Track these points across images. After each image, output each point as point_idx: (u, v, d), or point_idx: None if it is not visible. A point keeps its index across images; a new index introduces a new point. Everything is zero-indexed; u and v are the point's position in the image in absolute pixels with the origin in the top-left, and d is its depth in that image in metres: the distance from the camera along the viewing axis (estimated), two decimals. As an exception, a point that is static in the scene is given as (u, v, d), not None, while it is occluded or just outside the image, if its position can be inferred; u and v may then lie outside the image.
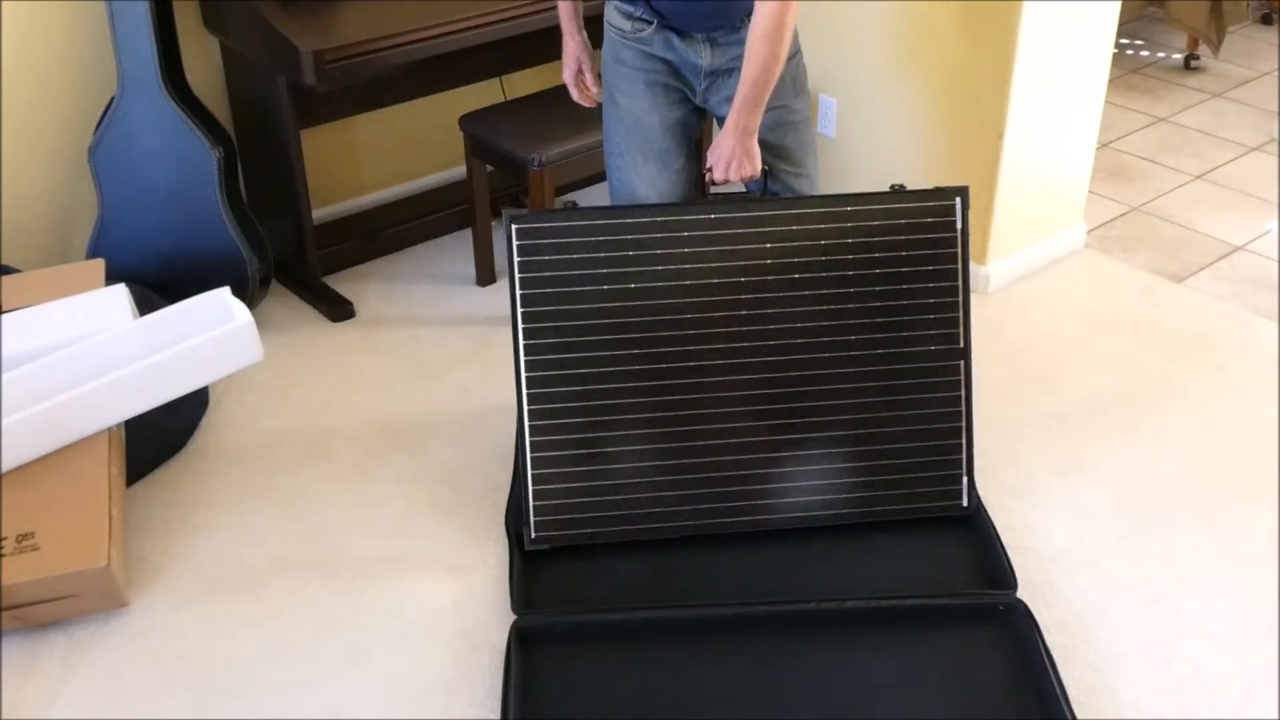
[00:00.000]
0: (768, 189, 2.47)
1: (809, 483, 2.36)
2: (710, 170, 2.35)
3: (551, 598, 2.22)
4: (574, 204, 2.32)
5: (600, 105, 2.57)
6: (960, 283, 2.33)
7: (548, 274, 2.28)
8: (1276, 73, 4.72)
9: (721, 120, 2.40)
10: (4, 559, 2.14)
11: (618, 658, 2.10)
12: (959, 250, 2.33)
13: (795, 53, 2.42)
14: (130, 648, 2.19)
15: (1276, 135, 4.19)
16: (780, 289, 2.31)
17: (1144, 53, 4.93)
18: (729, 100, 2.33)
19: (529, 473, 2.31)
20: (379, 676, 2.13)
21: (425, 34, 2.91)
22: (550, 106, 3.16)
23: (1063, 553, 2.39)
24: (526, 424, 2.30)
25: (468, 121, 3.11)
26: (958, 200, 2.31)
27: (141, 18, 2.81)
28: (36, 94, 2.97)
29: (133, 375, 2.37)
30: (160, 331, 2.50)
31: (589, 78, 2.58)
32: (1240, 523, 2.47)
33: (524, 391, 2.30)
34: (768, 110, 2.32)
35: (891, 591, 2.22)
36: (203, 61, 3.14)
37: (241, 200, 3.07)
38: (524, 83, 3.57)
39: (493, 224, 3.29)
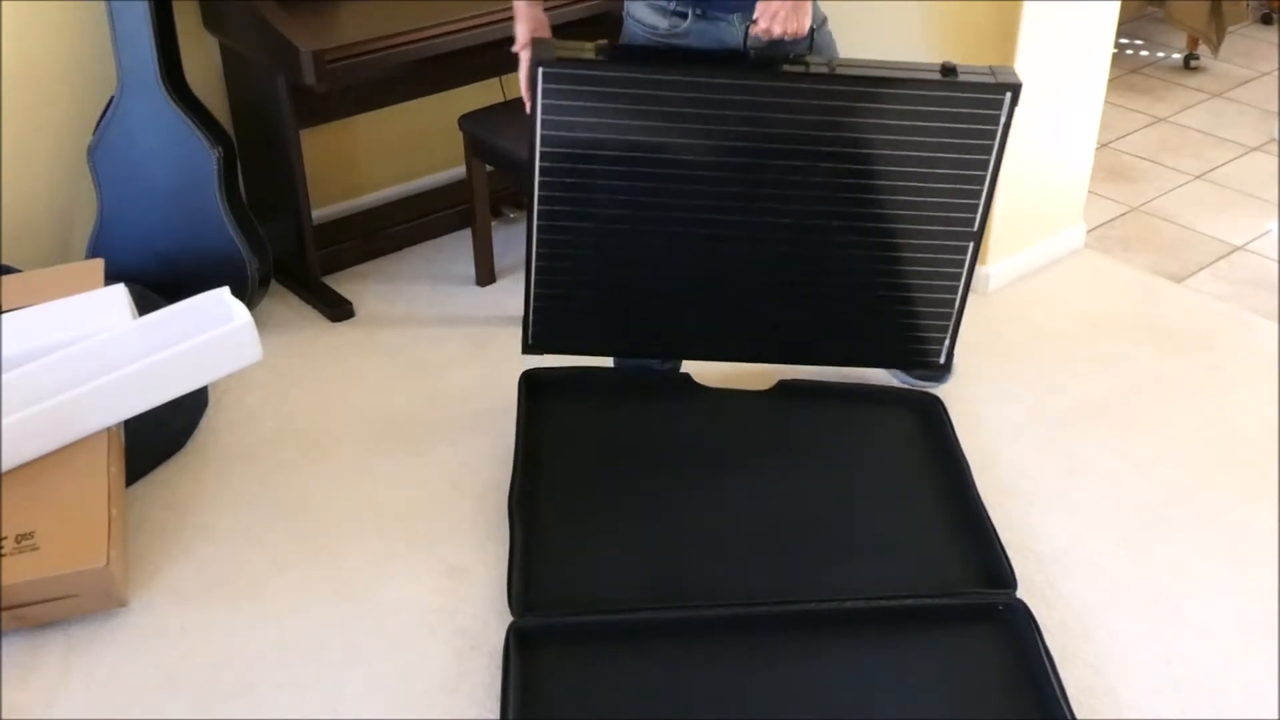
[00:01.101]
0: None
1: (804, 322, 2.46)
2: (754, 23, 2.23)
3: (550, 598, 2.22)
4: (608, 45, 2.26)
5: None
6: (989, 173, 2.34)
7: (571, 119, 2.25)
8: (1276, 73, 4.72)
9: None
10: (4, 559, 2.14)
11: (617, 659, 2.10)
12: (996, 144, 2.31)
13: (823, 21, 2.41)
14: (130, 648, 2.19)
15: (1276, 135, 4.19)
16: (808, 158, 2.30)
17: (1144, 53, 4.93)
18: None
19: (532, 279, 2.39)
20: (379, 677, 2.13)
21: (425, 34, 2.91)
22: (550, 106, 3.16)
23: (1063, 553, 2.39)
24: (535, 239, 2.35)
25: (468, 121, 3.11)
26: (1007, 96, 2.27)
27: (141, 18, 2.81)
28: (36, 94, 2.97)
29: (132, 375, 2.37)
30: (160, 331, 2.50)
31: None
32: (1240, 523, 2.47)
33: (535, 214, 2.33)
34: None
35: (891, 591, 2.22)
36: (203, 61, 3.14)
37: (241, 200, 3.07)
38: (524, 83, 3.56)
39: (493, 224, 3.28)
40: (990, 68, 2.30)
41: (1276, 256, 3.45)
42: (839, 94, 2.24)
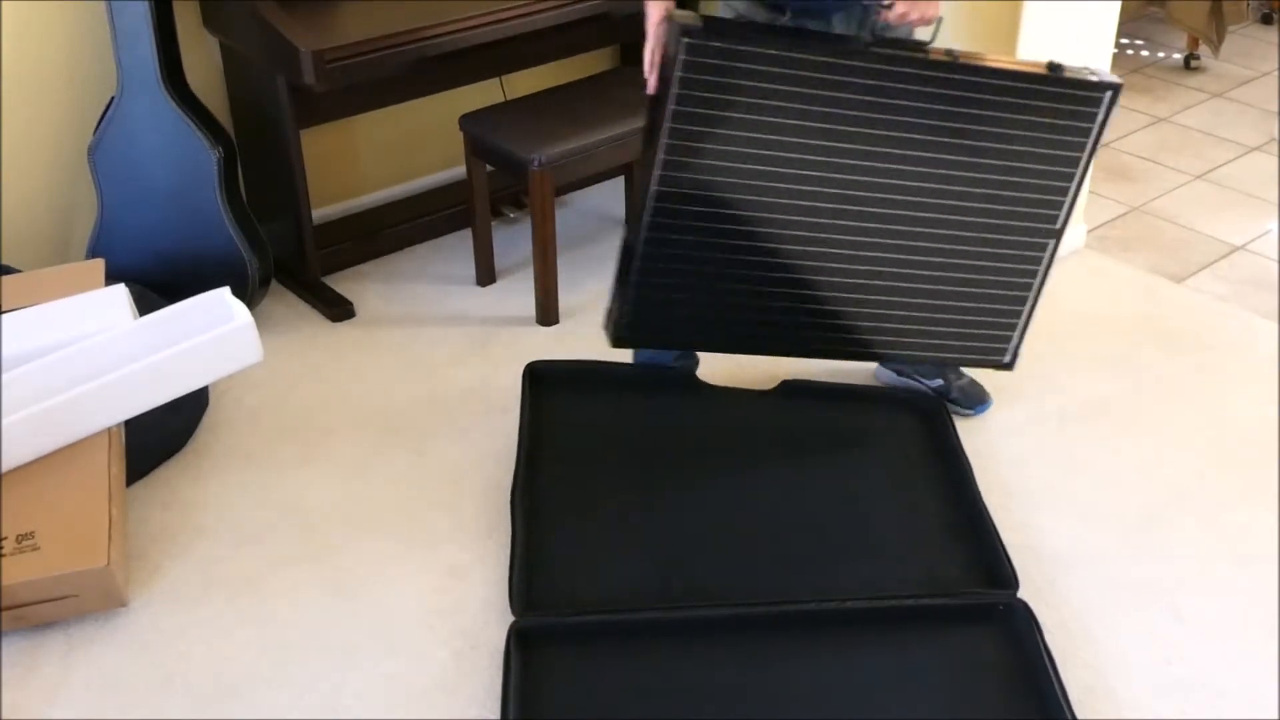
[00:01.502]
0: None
1: (885, 317, 2.44)
2: (887, 7, 2.20)
3: (550, 598, 2.22)
4: (748, 22, 2.25)
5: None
6: (1079, 170, 2.33)
7: (707, 94, 2.19)
8: (1276, 73, 4.73)
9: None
10: (4, 559, 2.14)
11: (617, 659, 2.10)
12: (1091, 141, 2.31)
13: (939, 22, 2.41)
14: (130, 648, 2.19)
15: (1276, 135, 4.19)
16: (917, 147, 2.29)
17: (1144, 53, 4.93)
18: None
19: (635, 269, 2.34)
20: (378, 677, 2.13)
21: (425, 34, 2.91)
22: (550, 106, 3.16)
23: (1063, 553, 2.39)
24: (647, 226, 2.31)
25: (468, 121, 3.11)
26: (1108, 95, 2.28)
27: (141, 18, 2.81)
28: (36, 94, 2.97)
29: (133, 375, 2.37)
30: (160, 331, 2.50)
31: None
32: (1240, 523, 2.47)
33: (651, 198, 2.29)
34: None
35: (892, 592, 2.22)
36: (203, 61, 3.14)
37: (241, 200, 3.07)
38: (524, 83, 3.57)
39: (493, 224, 3.29)
40: (1089, 68, 2.30)
41: (1276, 256, 3.45)
42: (957, 83, 2.23)
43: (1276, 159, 4.03)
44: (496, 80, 3.51)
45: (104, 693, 2.10)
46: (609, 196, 3.74)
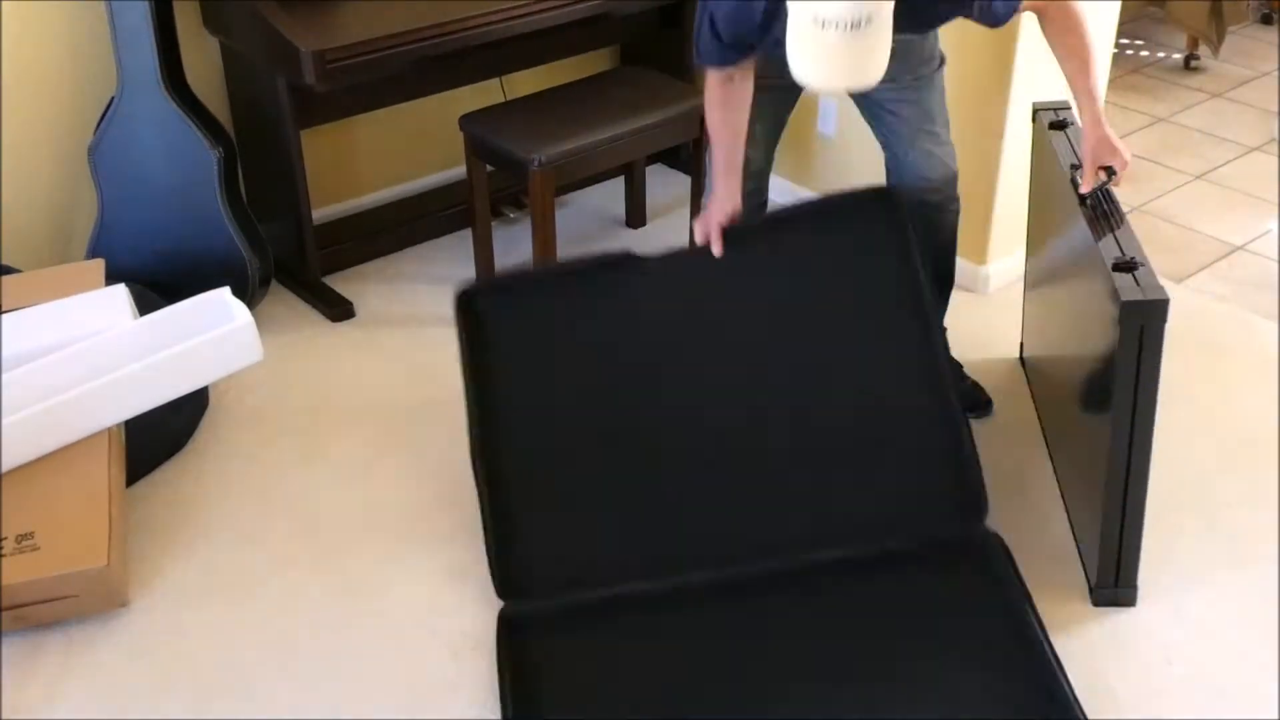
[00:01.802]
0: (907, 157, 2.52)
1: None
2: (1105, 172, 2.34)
3: (533, 575, 2.23)
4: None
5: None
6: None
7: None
8: (1276, 73, 4.72)
9: (868, 104, 2.50)
10: (4, 559, 2.14)
11: (608, 635, 2.13)
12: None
13: (940, 62, 2.51)
14: (130, 648, 2.19)
15: (1276, 135, 4.19)
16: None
17: (1144, 53, 4.93)
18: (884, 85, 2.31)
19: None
20: (379, 676, 2.13)
21: (425, 34, 2.91)
22: (550, 106, 3.16)
23: (1063, 553, 2.39)
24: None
25: (468, 121, 3.11)
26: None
27: (141, 18, 2.81)
28: (36, 94, 2.97)
29: (133, 375, 2.37)
30: (160, 331, 2.50)
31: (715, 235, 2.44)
32: (1240, 523, 2.47)
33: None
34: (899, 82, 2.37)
35: (868, 526, 2.26)
36: (203, 61, 3.14)
37: (241, 200, 3.07)
38: (524, 83, 3.57)
39: (493, 224, 3.28)
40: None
41: (1276, 256, 3.45)
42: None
43: (1276, 159, 4.03)
44: (496, 80, 3.51)
45: (104, 693, 2.10)
46: (609, 196, 3.74)
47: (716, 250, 2.41)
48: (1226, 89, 4.58)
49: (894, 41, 1.91)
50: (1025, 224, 3.27)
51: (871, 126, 2.56)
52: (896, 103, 2.46)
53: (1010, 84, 2.98)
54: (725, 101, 2.33)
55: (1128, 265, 2.07)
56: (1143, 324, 1.98)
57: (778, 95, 2.48)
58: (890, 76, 2.00)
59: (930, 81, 2.49)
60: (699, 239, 2.39)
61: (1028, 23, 2.91)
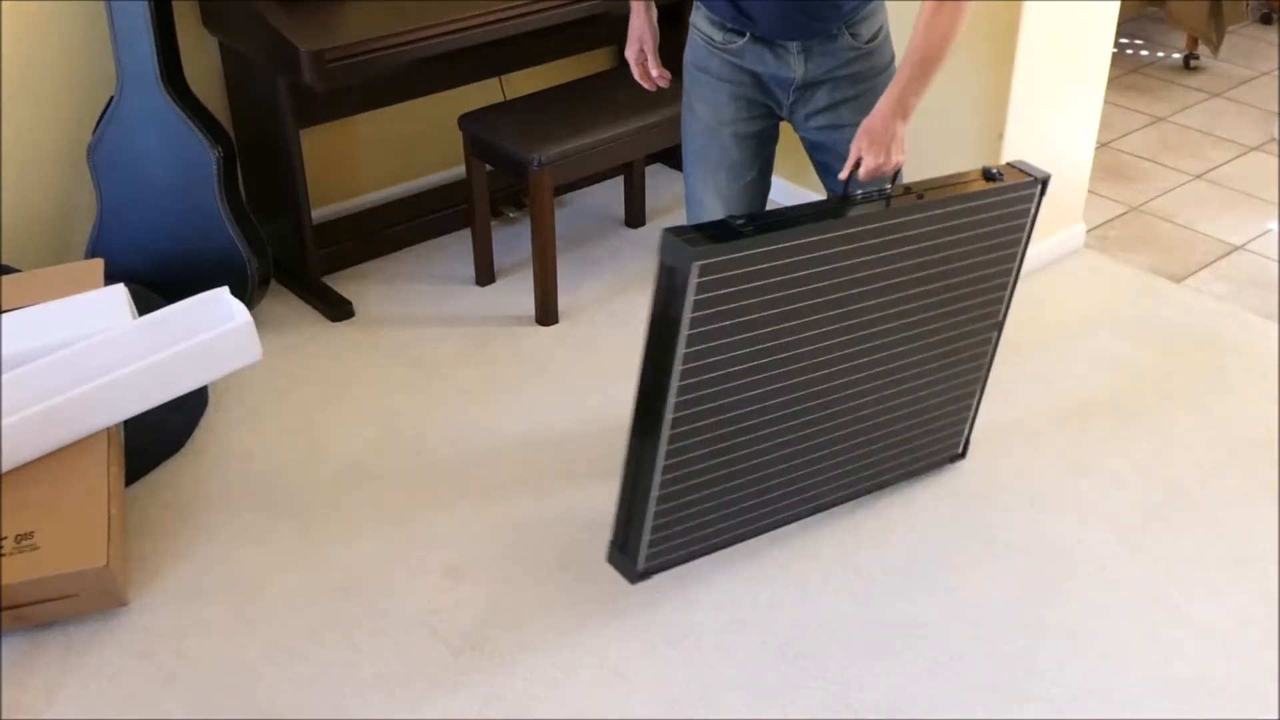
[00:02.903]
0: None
1: (858, 450, 2.39)
2: (853, 168, 2.14)
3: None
4: (741, 219, 2.05)
5: (658, 90, 2.46)
6: (1017, 263, 2.34)
7: (720, 309, 2.04)
8: (1276, 73, 4.73)
9: (807, 139, 2.31)
10: (4, 559, 2.14)
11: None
12: (1025, 235, 2.32)
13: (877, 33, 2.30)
14: (130, 648, 2.19)
15: (1276, 135, 4.19)
16: (889, 290, 2.23)
17: (1144, 53, 4.93)
18: (818, 114, 2.25)
19: (652, 499, 2.16)
20: (379, 676, 2.13)
21: (425, 34, 2.91)
22: (550, 106, 3.16)
23: (1063, 553, 2.39)
24: (663, 456, 2.13)
25: (467, 121, 3.11)
26: (1038, 189, 2.28)
27: (141, 17, 2.81)
28: (36, 94, 2.97)
29: (132, 375, 2.37)
30: (160, 331, 2.50)
31: (651, 59, 2.41)
32: (1240, 523, 2.47)
33: (668, 427, 2.10)
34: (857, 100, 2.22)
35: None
36: (203, 61, 3.14)
37: (241, 200, 3.07)
38: (524, 83, 3.57)
39: (493, 224, 3.29)
40: (1019, 165, 2.28)
41: (1276, 256, 3.45)
42: (919, 220, 2.18)
43: (1276, 159, 4.03)
44: (496, 80, 3.51)
45: (104, 693, 2.10)
46: (609, 196, 3.74)
47: (648, 85, 2.38)
48: (1226, 89, 4.58)
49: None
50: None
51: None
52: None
53: (1010, 84, 2.98)
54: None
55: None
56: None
57: (741, 96, 2.30)
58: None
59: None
60: (884, 163, 2.13)
61: (1028, 22, 2.92)
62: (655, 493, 2.15)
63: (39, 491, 2.26)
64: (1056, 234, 3.35)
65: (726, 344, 2.07)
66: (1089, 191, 3.56)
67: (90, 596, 2.20)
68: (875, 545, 2.41)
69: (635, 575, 2.27)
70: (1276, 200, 3.76)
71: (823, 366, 2.24)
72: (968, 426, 2.47)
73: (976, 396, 2.45)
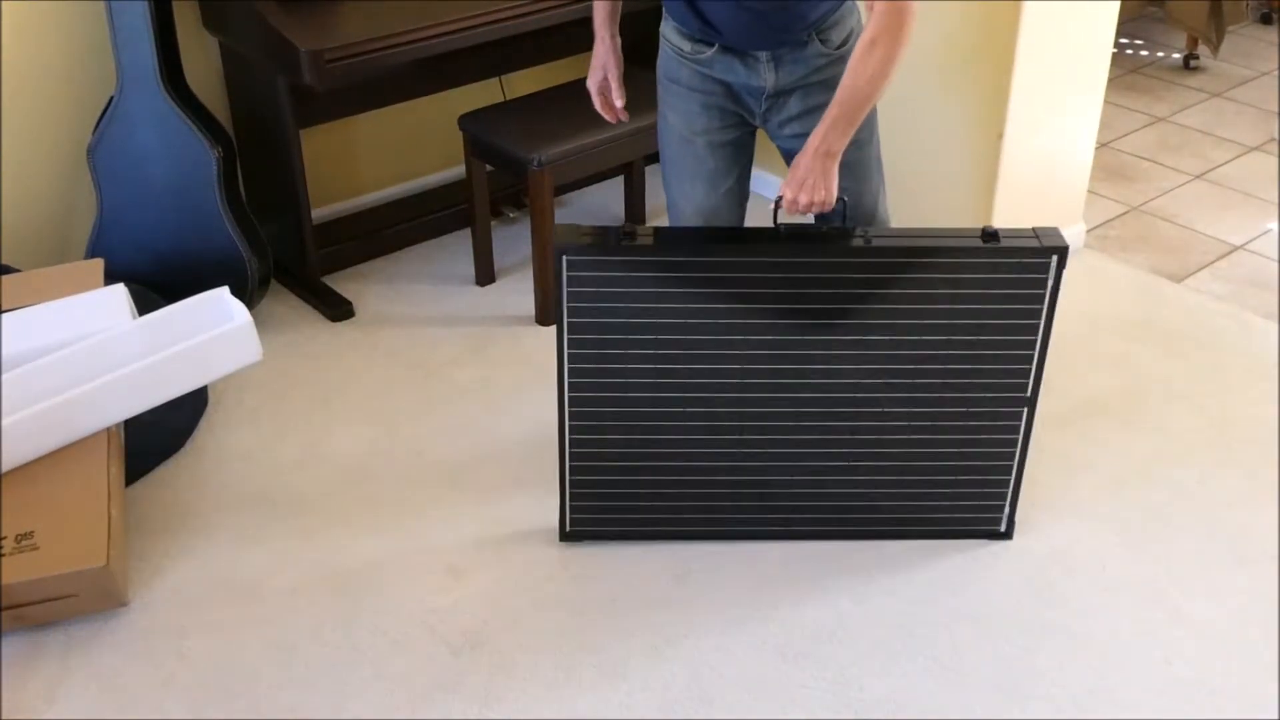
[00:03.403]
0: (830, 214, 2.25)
1: (853, 496, 2.39)
2: (780, 197, 2.15)
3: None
4: (632, 230, 2.18)
5: (619, 120, 2.48)
6: (1040, 336, 2.25)
7: (596, 304, 2.19)
8: (1276, 73, 4.73)
9: (781, 148, 2.30)
10: (4, 559, 2.14)
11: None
12: (1044, 307, 2.23)
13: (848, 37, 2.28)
14: (130, 648, 2.19)
15: (1276, 135, 4.19)
16: (850, 330, 2.23)
17: (1144, 52, 4.93)
18: (790, 122, 2.24)
19: (567, 465, 2.33)
20: (379, 676, 2.13)
21: (425, 34, 2.91)
22: (550, 106, 3.16)
23: (1063, 553, 2.39)
24: (568, 438, 2.30)
25: (467, 121, 3.11)
26: (1054, 259, 2.18)
27: (141, 17, 2.81)
28: (36, 94, 2.97)
29: (132, 375, 2.37)
30: (160, 331, 2.50)
31: (616, 89, 2.42)
32: (1240, 523, 2.47)
33: (565, 398, 2.26)
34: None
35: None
36: (203, 61, 3.14)
37: (241, 200, 3.07)
38: (524, 83, 3.57)
39: (492, 224, 3.28)
40: (1034, 230, 2.20)
41: (1276, 256, 3.45)
42: (877, 265, 2.17)
43: (1276, 159, 4.03)
44: (496, 80, 3.51)
45: (104, 693, 2.10)
46: (609, 196, 3.74)
47: (609, 117, 2.41)
48: (1226, 89, 4.58)
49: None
50: (1025, 223, 3.27)
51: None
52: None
53: (1010, 84, 2.98)
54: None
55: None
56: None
57: (709, 110, 2.29)
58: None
59: None
60: (814, 200, 2.12)
61: (1028, 22, 2.92)
62: (569, 463, 2.33)
63: (39, 491, 2.26)
64: (1056, 234, 3.35)
65: (607, 340, 2.22)
66: (1089, 191, 3.56)
67: (90, 596, 2.20)
68: (875, 545, 2.41)
69: (563, 534, 2.41)
70: (1276, 200, 3.76)
71: (747, 389, 2.28)
72: (1007, 504, 2.39)
73: (1013, 475, 2.37)
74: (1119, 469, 2.61)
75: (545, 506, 2.50)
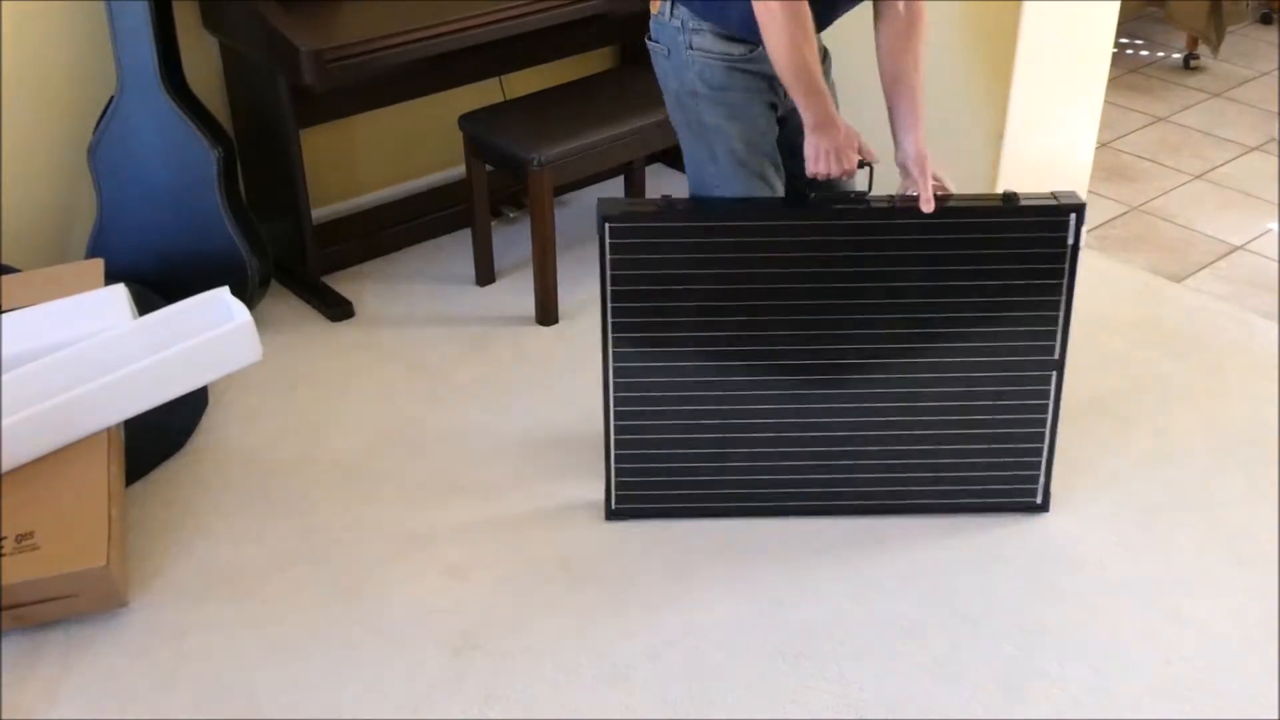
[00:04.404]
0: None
1: (887, 467, 2.41)
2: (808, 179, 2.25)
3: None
4: (668, 199, 2.26)
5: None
6: (1064, 297, 2.27)
7: (638, 272, 2.24)
8: (1276, 73, 4.73)
9: (793, 124, 2.36)
10: (4, 559, 2.14)
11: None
12: (1066, 266, 2.24)
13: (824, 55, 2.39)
14: (130, 648, 2.19)
15: (1276, 135, 4.19)
16: (879, 295, 2.26)
17: (1144, 53, 4.93)
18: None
19: (612, 440, 2.37)
20: (379, 676, 2.13)
21: (425, 34, 2.91)
22: (550, 106, 3.16)
23: (1063, 553, 2.39)
24: (612, 409, 2.34)
25: (467, 121, 3.11)
26: (1072, 217, 2.21)
27: (141, 17, 2.81)
28: (36, 94, 2.97)
29: (132, 375, 2.37)
30: (160, 331, 2.50)
31: (863, 143, 2.38)
32: (1240, 523, 2.47)
33: (610, 370, 2.31)
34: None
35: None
36: (203, 61, 3.14)
37: (241, 200, 3.07)
38: (524, 83, 3.57)
39: (492, 224, 3.28)
40: (1052, 193, 2.25)
41: (1276, 256, 3.45)
42: (907, 227, 2.22)
43: (1276, 159, 4.03)
44: (496, 80, 3.51)
45: (104, 693, 2.10)
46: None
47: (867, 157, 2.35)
48: (1226, 89, 4.58)
49: None
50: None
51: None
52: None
53: (1010, 84, 2.98)
54: (796, 14, 2.12)
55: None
56: None
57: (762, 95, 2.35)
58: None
59: None
60: (834, 173, 2.22)
61: (1028, 22, 2.92)
62: (614, 436, 2.37)
63: (39, 491, 2.26)
64: (1056, 234, 3.35)
65: (652, 308, 2.26)
66: (1089, 192, 3.56)
67: (90, 596, 2.20)
68: (875, 545, 2.41)
69: (609, 513, 2.44)
70: (1276, 200, 3.76)
71: (783, 358, 2.31)
72: (1042, 473, 2.41)
73: (1046, 443, 2.39)
74: (1119, 469, 2.61)
75: (545, 506, 2.50)
